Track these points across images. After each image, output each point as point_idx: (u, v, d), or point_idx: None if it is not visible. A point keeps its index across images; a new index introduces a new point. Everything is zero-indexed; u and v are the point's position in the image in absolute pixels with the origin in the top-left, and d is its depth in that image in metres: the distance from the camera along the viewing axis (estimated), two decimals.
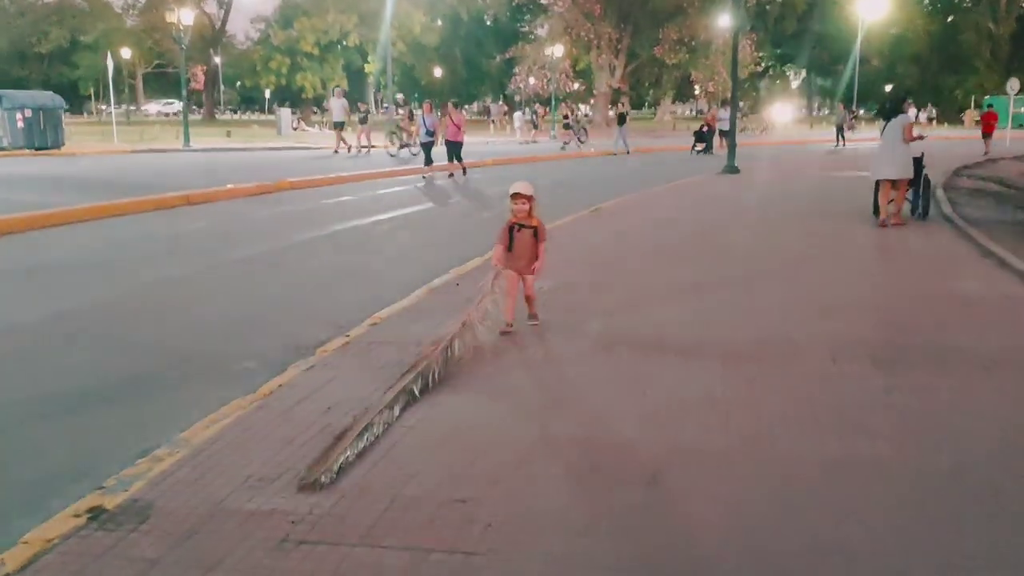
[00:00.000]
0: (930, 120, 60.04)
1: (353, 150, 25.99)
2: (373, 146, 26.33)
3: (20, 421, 4.33)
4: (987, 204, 13.61)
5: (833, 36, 76.32)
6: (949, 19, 71.78)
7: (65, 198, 12.03)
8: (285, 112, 40.94)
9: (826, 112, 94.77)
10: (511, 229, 5.51)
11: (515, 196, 5.46)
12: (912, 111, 51.38)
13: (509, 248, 5.52)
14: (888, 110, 11.29)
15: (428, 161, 18.12)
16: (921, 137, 10.66)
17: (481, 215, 12.57)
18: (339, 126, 27.05)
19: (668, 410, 4.17)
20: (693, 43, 57.48)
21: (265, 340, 5.79)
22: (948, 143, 32.37)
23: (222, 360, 5.33)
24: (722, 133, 27.71)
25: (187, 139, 28.79)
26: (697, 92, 76.59)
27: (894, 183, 10.48)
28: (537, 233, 5.52)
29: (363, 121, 27.02)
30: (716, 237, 10.04)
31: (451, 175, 18.30)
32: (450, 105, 19.78)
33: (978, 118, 59.60)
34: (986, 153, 26.14)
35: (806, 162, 24.46)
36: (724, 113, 28.95)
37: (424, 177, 17.86)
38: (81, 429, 4.22)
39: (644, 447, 3.70)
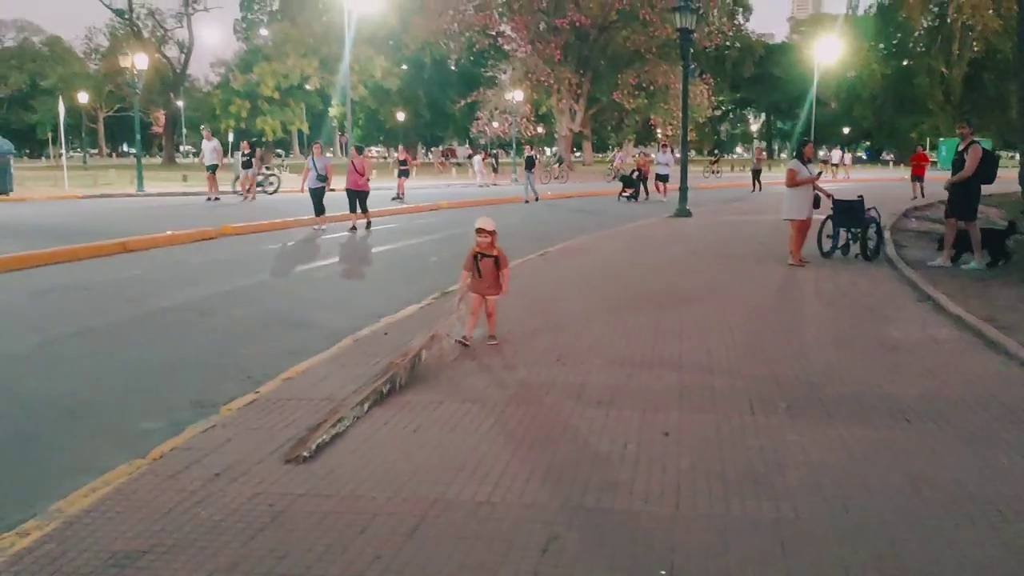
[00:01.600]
0: (852, 162, 60.86)
1: (239, 196, 24.44)
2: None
3: None
4: (932, 247, 13.73)
5: (791, 80, 78.17)
6: (904, 63, 73.74)
7: None
8: (239, 154, 40.53)
9: (784, 156, 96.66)
10: (475, 257, 6.55)
11: (479, 230, 6.53)
12: (836, 153, 52.48)
13: (478, 275, 6.54)
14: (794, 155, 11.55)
15: (319, 210, 15.98)
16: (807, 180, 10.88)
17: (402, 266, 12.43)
18: (211, 170, 24.53)
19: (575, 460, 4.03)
20: (651, 88, 58.36)
21: (174, 396, 5.56)
22: (890, 185, 33.18)
23: (122, 419, 5.10)
24: (659, 178, 26.75)
25: (140, 184, 28.45)
26: (659, 136, 77.64)
27: (792, 222, 11.03)
28: (499, 262, 6.59)
29: (246, 166, 24.67)
30: (652, 278, 9.99)
31: (352, 227, 16.11)
32: (353, 149, 17.33)
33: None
34: (914, 197, 25.17)
35: (762, 205, 24.72)
36: (663, 157, 27.54)
37: (315, 228, 15.90)
38: None
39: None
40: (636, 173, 27.18)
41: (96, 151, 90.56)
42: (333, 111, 59.95)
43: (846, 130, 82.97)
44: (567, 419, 4.81)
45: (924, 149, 32.12)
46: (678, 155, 24.51)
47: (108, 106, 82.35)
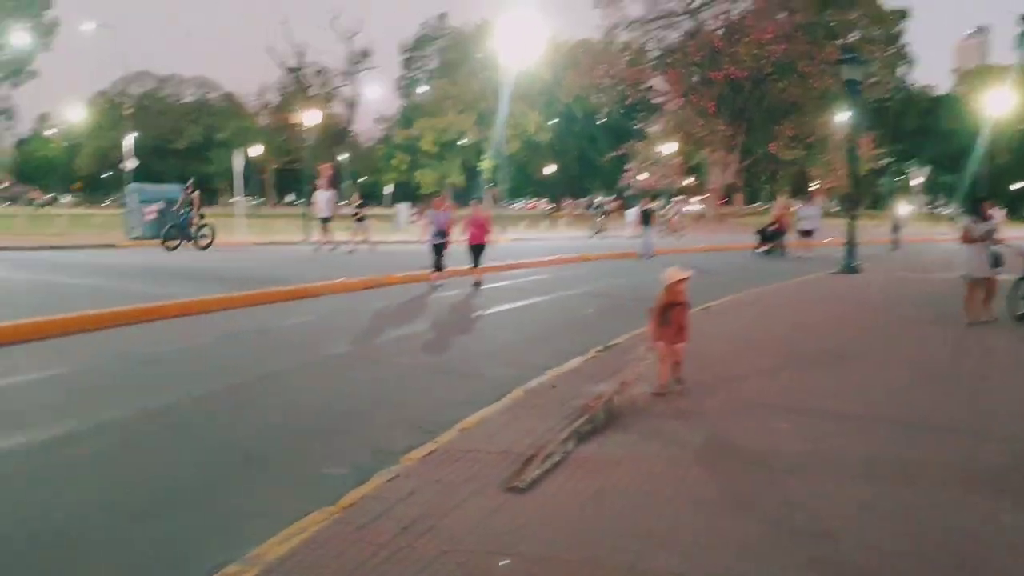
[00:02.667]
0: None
1: (338, 245, 22.91)
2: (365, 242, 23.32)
3: (80, 528, 4.21)
4: None
5: (956, 133, 73.98)
6: None
7: (180, 289, 12.53)
8: (403, 207, 42.32)
9: (950, 210, 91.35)
10: (665, 308, 6.57)
11: (679, 280, 6.57)
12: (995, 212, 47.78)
13: (667, 323, 6.56)
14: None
15: (438, 265, 15.02)
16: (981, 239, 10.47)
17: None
18: (325, 221, 23.33)
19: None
20: (810, 140, 56.73)
21: (352, 442, 5.66)
22: None
23: (305, 463, 5.22)
24: (803, 234, 25.22)
25: (308, 233, 30.00)
26: (814, 188, 75.23)
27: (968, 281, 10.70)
28: (685, 310, 6.69)
29: (361, 219, 23.62)
30: (822, 336, 9.45)
31: (476, 283, 15.06)
32: (474, 203, 16.60)
33: None
34: None
35: (935, 262, 23.26)
36: (807, 210, 26.05)
37: (433, 284, 14.95)
38: (147, 539, 4.10)
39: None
40: (773, 226, 25.50)
41: (263, 200, 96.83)
42: (484, 164, 61.65)
43: (1018, 185, 77.53)
44: (757, 485, 4.53)
45: None
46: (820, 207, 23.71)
47: (277, 158, 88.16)
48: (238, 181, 33.54)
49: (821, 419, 6.03)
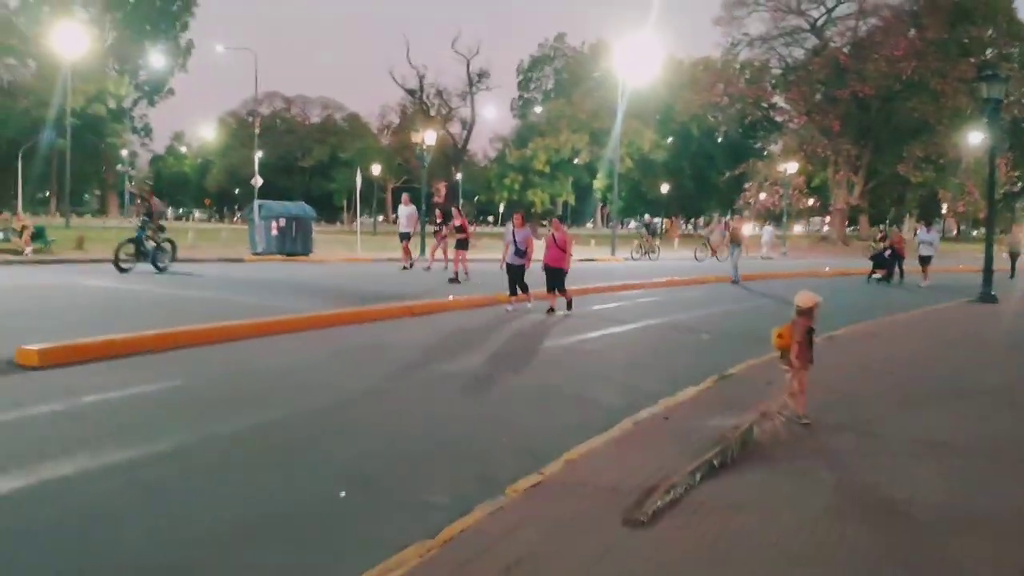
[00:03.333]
0: None
1: (419, 264, 22.85)
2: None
3: (175, 555, 4.13)
4: None
5: None
6: None
7: (299, 303, 12.82)
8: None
9: None
10: (809, 332, 6.30)
11: (815, 306, 6.26)
12: None
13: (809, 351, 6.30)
14: None
15: (515, 289, 14.12)
16: None
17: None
18: (405, 237, 22.79)
19: None
20: (941, 161, 53.89)
21: (457, 467, 5.52)
22: None
23: (408, 488, 5.09)
24: (922, 260, 23.37)
25: (423, 251, 30.45)
26: (944, 211, 71.53)
27: None
28: (813, 333, 6.40)
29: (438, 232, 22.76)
30: (958, 370, 8.74)
31: (550, 309, 13.83)
32: (554, 221, 15.05)
33: None
34: None
35: None
36: (926, 235, 24.26)
37: (508, 308, 14.06)
38: (240, 566, 4.04)
39: None
40: (889, 251, 23.87)
41: (383, 218, 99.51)
42: (597, 183, 61.34)
43: None
44: (902, 541, 4.12)
45: None
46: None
47: (396, 177, 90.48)
48: (357, 199, 34.40)
49: (966, 462, 5.50)
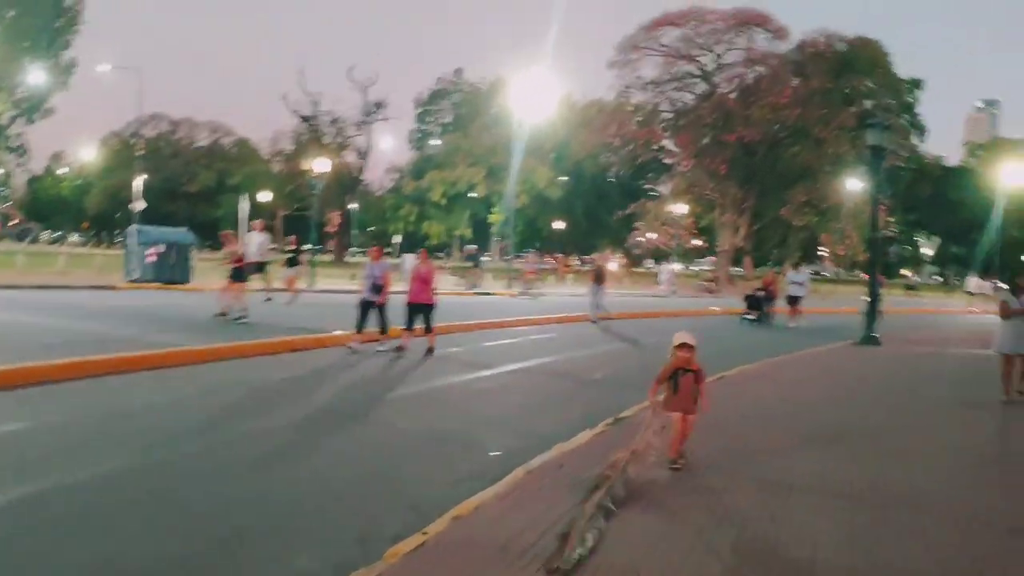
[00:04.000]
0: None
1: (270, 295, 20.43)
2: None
3: None
4: None
5: (968, 204, 73.82)
6: None
7: (153, 336, 11.99)
8: (409, 257, 41.87)
9: (958, 281, 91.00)
10: (675, 372, 6.08)
11: (681, 346, 6.08)
12: (973, 280, 46.16)
13: (675, 391, 6.10)
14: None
15: (360, 326, 12.70)
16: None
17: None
18: (259, 269, 20.26)
19: None
20: (823, 205, 56.43)
21: (334, 524, 5.02)
22: None
23: (281, 549, 4.56)
24: (790, 300, 23.48)
25: (313, 281, 29.52)
26: (824, 254, 74.93)
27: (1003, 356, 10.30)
28: (698, 376, 6.12)
29: (292, 263, 21.74)
30: (843, 413, 8.79)
31: (399, 347, 12.65)
32: (422, 253, 14.16)
33: None
34: None
35: (957, 335, 22.59)
36: (797, 276, 24.35)
37: (351, 347, 12.56)
38: None
39: None
40: (763, 292, 23.58)
41: (274, 247, 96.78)
42: (494, 217, 61.47)
43: None
44: None
45: None
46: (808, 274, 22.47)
47: (288, 205, 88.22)
48: (243, 227, 33.15)
49: (862, 513, 5.34)
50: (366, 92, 59.90)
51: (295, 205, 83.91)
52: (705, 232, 69.43)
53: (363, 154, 67.81)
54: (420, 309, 12.74)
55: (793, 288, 23.67)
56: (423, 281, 12.78)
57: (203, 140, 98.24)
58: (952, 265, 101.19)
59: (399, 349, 12.60)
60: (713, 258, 68.64)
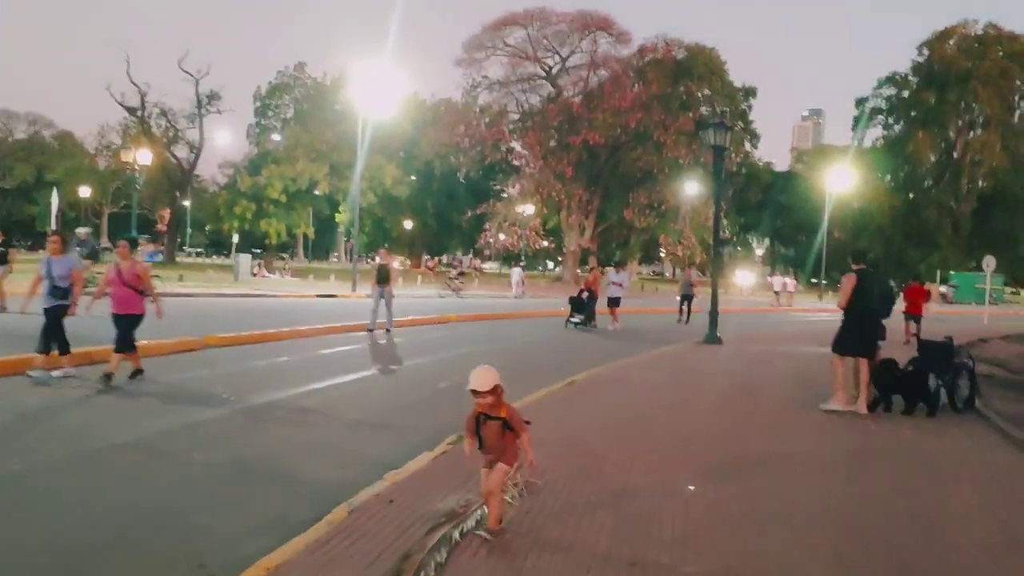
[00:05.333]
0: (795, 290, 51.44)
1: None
2: None
3: None
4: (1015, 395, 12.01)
5: (795, 208, 78.28)
6: (911, 196, 73.88)
7: None
8: (244, 257, 39.49)
9: (815, 281, 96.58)
10: (477, 419, 4.63)
11: (472, 391, 4.52)
12: (777, 279, 48.33)
13: (480, 445, 4.66)
14: None
15: (51, 345, 9.60)
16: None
17: None
18: None
19: None
20: (662, 207, 58.02)
21: None
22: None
23: None
24: (610, 302, 21.58)
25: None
26: (663, 255, 77.33)
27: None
28: (511, 425, 4.58)
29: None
30: (698, 419, 8.28)
31: (106, 375, 9.30)
32: (121, 243, 10.28)
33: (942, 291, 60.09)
34: (906, 341, 18.00)
35: (793, 334, 23.17)
36: (616, 276, 22.84)
37: (31, 375, 9.41)
38: None
39: None
40: (586, 293, 21.63)
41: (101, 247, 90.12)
42: (340, 216, 59.39)
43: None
44: None
45: (924, 283, 24.17)
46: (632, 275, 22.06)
47: (115, 203, 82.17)
48: (56, 224, 29.99)
49: (745, 561, 4.64)
50: (198, 83, 56.34)
51: (122, 202, 78.33)
52: (553, 233, 70.06)
53: (196, 148, 63.84)
54: (125, 322, 9.61)
55: (612, 289, 22.10)
56: (127, 285, 9.64)
57: (21, 132, 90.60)
58: (780, 265, 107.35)
59: (106, 377, 9.26)
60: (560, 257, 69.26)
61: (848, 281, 9.47)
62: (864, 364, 9.38)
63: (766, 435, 8.13)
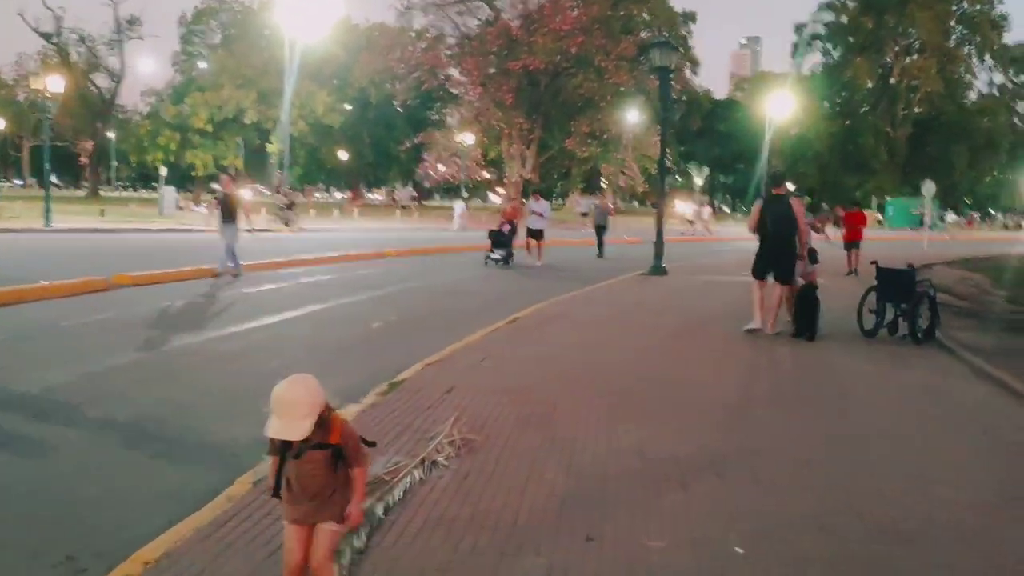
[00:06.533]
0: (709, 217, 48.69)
1: None
2: None
3: None
4: (972, 326, 11.71)
5: (734, 136, 78.25)
6: (848, 122, 74.19)
7: None
8: (169, 190, 37.60)
9: (727, 209, 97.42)
10: (282, 452, 2.76)
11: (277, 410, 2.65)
12: (690, 206, 47.09)
13: (287, 485, 2.82)
14: None
15: None
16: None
17: None
18: None
19: None
20: (604, 136, 57.12)
21: None
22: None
23: None
24: (531, 233, 19.46)
25: (48, 219, 25.32)
26: (605, 185, 76.85)
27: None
28: (343, 454, 2.79)
29: None
30: (646, 358, 7.72)
31: None
32: None
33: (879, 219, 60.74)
34: (848, 272, 18.13)
35: (726, 262, 22.84)
36: (536, 205, 20.02)
37: None
38: None
39: None
40: (507, 226, 19.39)
41: (22, 182, 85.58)
42: (272, 147, 57.24)
43: (791, 187, 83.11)
44: None
45: (863, 208, 22.46)
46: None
47: (37, 135, 77.80)
48: None
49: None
50: (117, 7, 53.06)
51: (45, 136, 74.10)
52: (494, 164, 68.79)
53: (117, 76, 60.51)
54: None
55: (533, 220, 19.56)
56: None
57: None
58: (719, 194, 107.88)
59: None
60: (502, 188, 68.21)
61: (755, 207, 9.81)
62: (776, 288, 9.61)
63: (732, 379, 7.57)
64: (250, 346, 8.54)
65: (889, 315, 9.47)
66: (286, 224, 30.37)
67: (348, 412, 5.64)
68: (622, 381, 7.04)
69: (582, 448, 5.06)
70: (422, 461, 4.63)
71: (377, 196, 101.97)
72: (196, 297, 11.75)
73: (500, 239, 19.13)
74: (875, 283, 9.63)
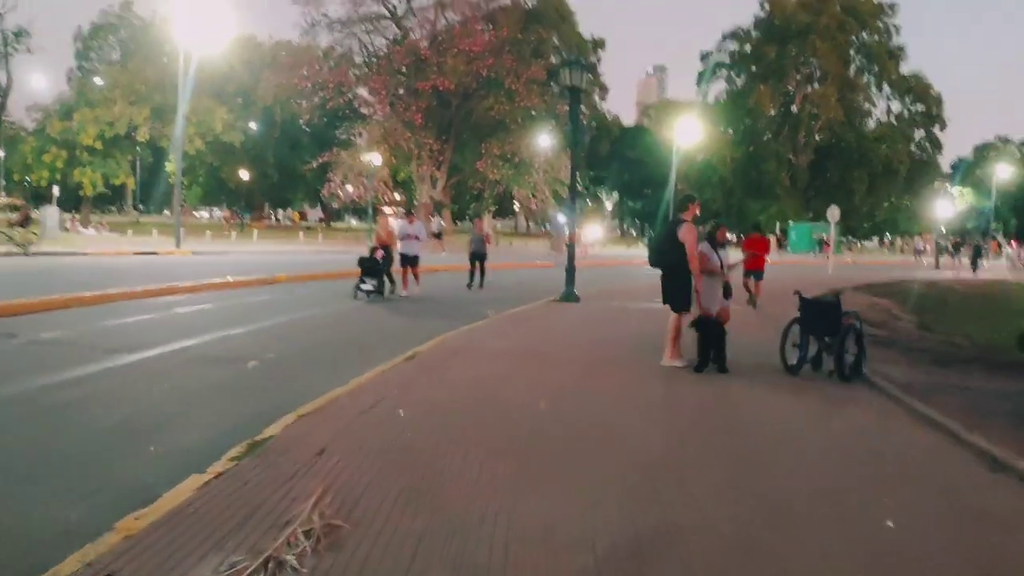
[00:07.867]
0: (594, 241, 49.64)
1: None
2: None
3: None
4: (909, 363, 11.19)
5: (642, 161, 79.22)
6: (752, 148, 75.87)
7: None
8: (52, 210, 34.90)
9: (634, 233, 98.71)
10: None
11: None
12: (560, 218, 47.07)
13: None
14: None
15: None
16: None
17: None
18: None
19: None
20: (516, 159, 56.63)
21: None
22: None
23: None
24: (405, 260, 17.31)
25: None
26: (517, 208, 76.44)
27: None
28: None
29: None
30: (565, 392, 6.81)
31: None
32: None
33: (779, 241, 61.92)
34: (749, 301, 16.34)
35: (639, 287, 22.27)
36: (409, 227, 17.62)
37: None
38: None
39: None
40: (380, 252, 16.69)
41: None
42: (170, 166, 54.58)
43: (697, 212, 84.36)
44: None
45: (764, 233, 19.82)
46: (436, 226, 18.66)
47: None
48: None
49: None
50: (2, 18, 49.84)
51: None
52: (404, 185, 67.51)
53: (2, 90, 56.70)
54: None
55: (406, 244, 17.42)
56: None
57: None
58: (628, 218, 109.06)
59: None
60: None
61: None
62: (672, 317, 9.01)
63: (652, 426, 6.69)
64: (92, 393, 7.21)
65: (812, 349, 8.80)
66: (20, 247, 24.66)
67: (184, 490, 4.48)
68: (531, 430, 6.07)
69: (477, 534, 4.04)
70: (265, 562, 3.55)
71: (288, 218, 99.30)
72: (42, 331, 10.26)
73: (372, 267, 16.38)
74: (798, 315, 8.94)
